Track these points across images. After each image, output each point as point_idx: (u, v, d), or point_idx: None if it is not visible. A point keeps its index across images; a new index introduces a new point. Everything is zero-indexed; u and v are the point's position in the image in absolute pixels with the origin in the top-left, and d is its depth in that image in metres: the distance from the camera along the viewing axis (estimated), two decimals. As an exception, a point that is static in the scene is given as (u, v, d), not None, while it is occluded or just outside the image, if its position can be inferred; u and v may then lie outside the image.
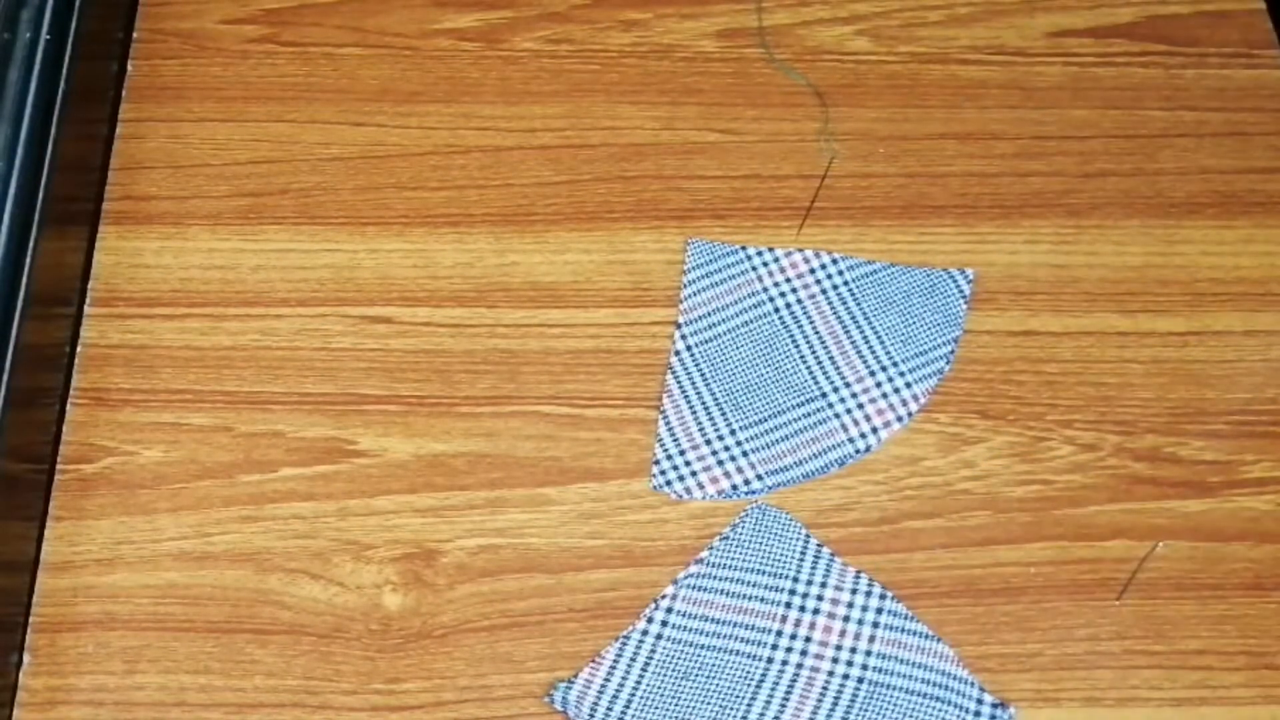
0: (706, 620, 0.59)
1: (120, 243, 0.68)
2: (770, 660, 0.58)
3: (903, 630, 0.59)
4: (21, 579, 0.59)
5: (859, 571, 0.60)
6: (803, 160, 0.70)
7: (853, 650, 0.58)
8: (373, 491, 0.62)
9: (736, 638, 0.59)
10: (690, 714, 0.57)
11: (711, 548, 0.61)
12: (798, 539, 0.61)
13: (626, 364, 0.65)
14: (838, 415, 0.62)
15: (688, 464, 0.62)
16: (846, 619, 0.59)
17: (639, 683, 0.58)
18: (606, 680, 0.58)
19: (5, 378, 0.58)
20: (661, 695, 0.58)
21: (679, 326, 0.65)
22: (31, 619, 0.59)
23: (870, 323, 0.64)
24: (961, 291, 0.65)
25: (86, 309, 0.66)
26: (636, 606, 0.60)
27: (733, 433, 0.63)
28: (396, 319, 0.66)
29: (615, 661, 0.58)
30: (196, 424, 0.64)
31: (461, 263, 0.68)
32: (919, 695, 0.58)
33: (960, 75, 0.73)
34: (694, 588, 0.60)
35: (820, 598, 0.60)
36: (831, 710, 0.57)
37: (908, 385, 0.63)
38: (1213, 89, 0.73)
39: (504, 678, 0.58)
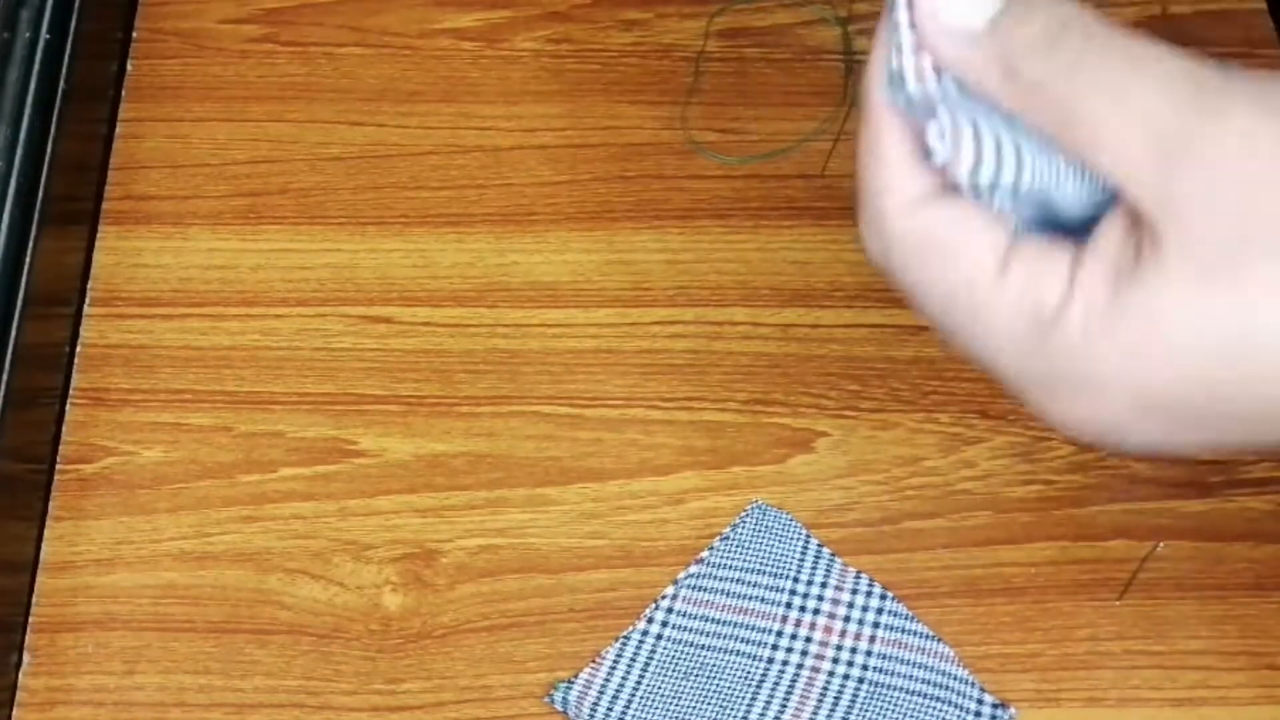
0: (707, 620, 0.59)
1: (120, 242, 0.68)
2: (771, 660, 0.58)
3: (903, 630, 0.59)
4: (21, 579, 0.59)
5: (859, 571, 0.60)
6: (803, 160, 0.70)
7: (853, 650, 0.58)
8: (373, 491, 0.62)
9: (737, 638, 0.59)
10: (690, 714, 0.57)
11: (711, 548, 0.61)
12: (798, 539, 0.61)
13: (626, 364, 0.65)
14: None
15: None
16: (847, 619, 0.59)
17: (639, 683, 0.58)
18: (607, 680, 0.58)
19: (4, 378, 0.58)
20: (662, 695, 0.58)
21: None
22: (31, 619, 0.59)
23: None
24: None
25: (86, 309, 0.66)
26: (636, 606, 0.60)
27: None
28: (396, 319, 0.66)
29: (615, 661, 0.58)
30: (196, 424, 0.64)
31: (461, 263, 0.68)
32: (919, 695, 0.58)
33: (960, 75, 0.73)
34: (694, 588, 0.60)
35: (820, 598, 0.59)
36: (832, 710, 0.57)
37: None
38: (1213, 89, 0.73)
39: (504, 678, 0.58)
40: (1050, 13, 0.40)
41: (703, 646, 0.59)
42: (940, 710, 0.57)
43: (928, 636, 0.59)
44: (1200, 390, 0.38)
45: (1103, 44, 0.39)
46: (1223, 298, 0.37)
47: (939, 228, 0.41)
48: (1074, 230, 0.40)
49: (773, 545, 0.61)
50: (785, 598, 0.59)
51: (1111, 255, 0.39)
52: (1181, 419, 0.39)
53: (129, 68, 0.72)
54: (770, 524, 0.61)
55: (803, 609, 0.59)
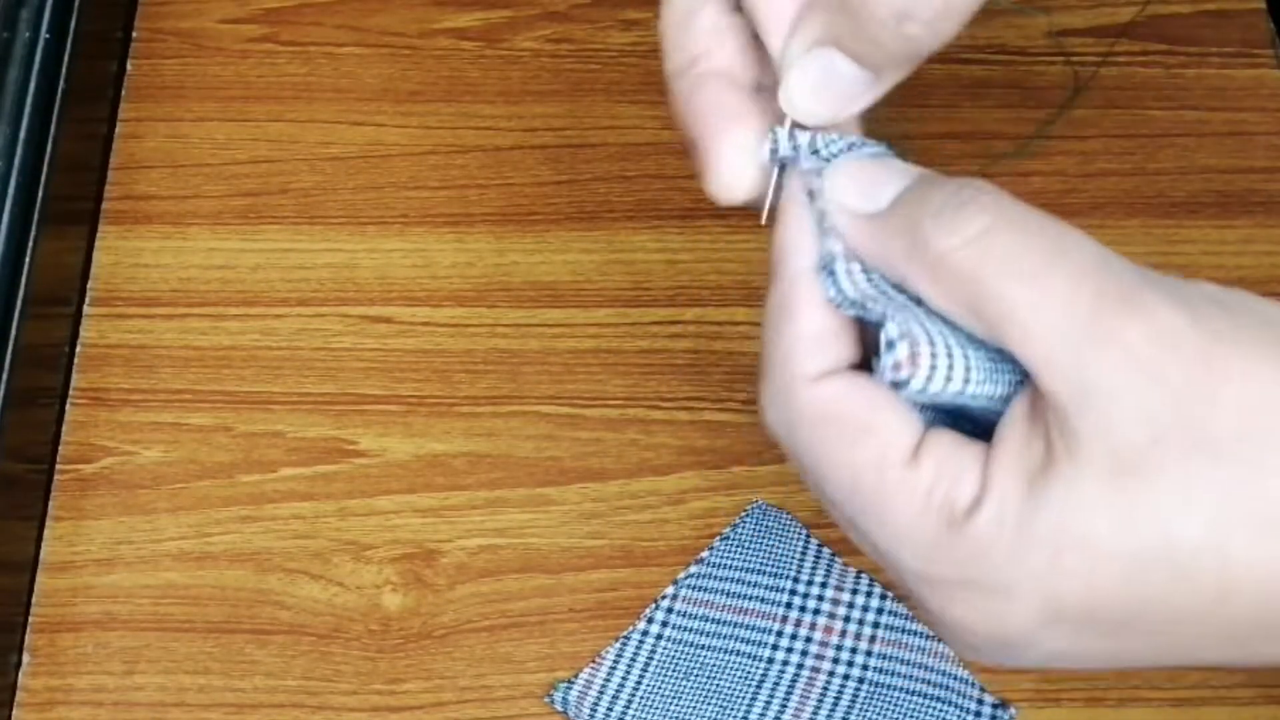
0: (707, 620, 0.59)
1: (120, 242, 0.68)
2: (771, 660, 0.58)
3: (903, 630, 0.59)
4: (21, 579, 0.59)
5: (859, 571, 0.60)
6: (803, 160, 0.70)
7: (853, 650, 0.58)
8: (373, 491, 0.62)
9: (737, 638, 0.59)
10: (690, 714, 0.57)
11: (712, 548, 0.61)
12: (798, 539, 0.61)
13: (626, 364, 0.65)
14: None
15: None
16: (847, 619, 0.59)
17: (639, 683, 0.58)
18: (607, 680, 0.58)
19: (4, 378, 0.58)
20: (662, 695, 0.58)
21: None
22: (31, 619, 0.59)
23: None
24: None
25: (86, 309, 0.66)
26: (636, 606, 0.60)
27: None
28: (396, 319, 0.66)
29: (615, 661, 0.58)
30: (196, 424, 0.64)
31: (461, 262, 0.68)
32: (920, 695, 0.58)
33: (960, 75, 0.73)
34: (694, 588, 0.60)
35: (821, 598, 0.59)
36: (832, 710, 0.57)
37: None
38: (1213, 88, 0.73)
39: (504, 678, 0.58)
40: (952, 186, 0.38)
41: (703, 646, 0.59)
42: (940, 710, 0.57)
43: (928, 636, 0.59)
44: (1115, 602, 0.37)
45: (1013, 219, 0.37)
46: (1142, 501, 0.36)
47: (850, 402, 0.38)
48: (975, 431, 0.38)
49: (773, 545, 0.61)
50: (785, 598, 0.59)
51: (1021, 450, 0.37)
52: (1089, 630, 0.38)
53: (129, 68, 0.72)
54: (770, 524, 0.61)
55: (803, 609, 0.59)
